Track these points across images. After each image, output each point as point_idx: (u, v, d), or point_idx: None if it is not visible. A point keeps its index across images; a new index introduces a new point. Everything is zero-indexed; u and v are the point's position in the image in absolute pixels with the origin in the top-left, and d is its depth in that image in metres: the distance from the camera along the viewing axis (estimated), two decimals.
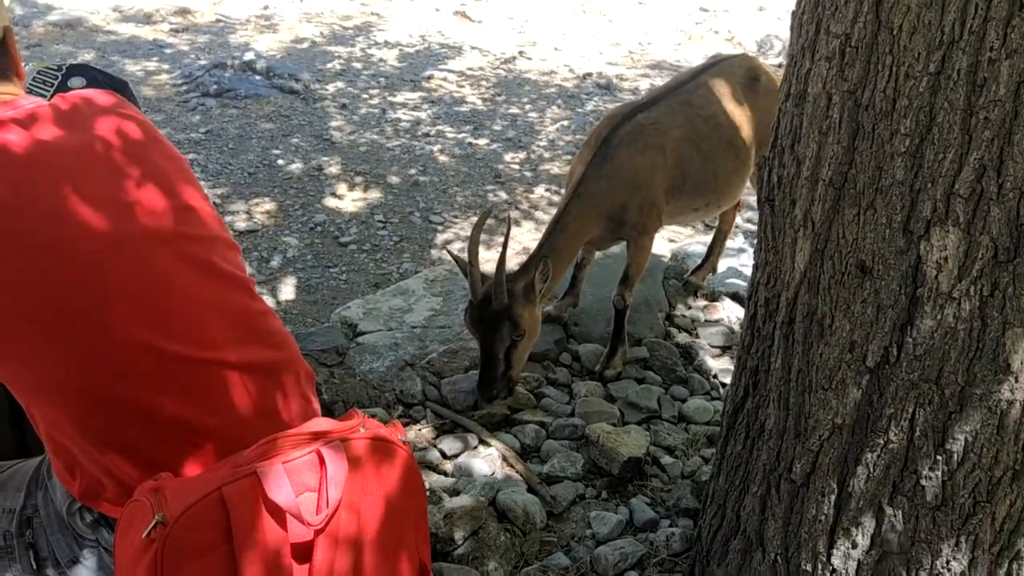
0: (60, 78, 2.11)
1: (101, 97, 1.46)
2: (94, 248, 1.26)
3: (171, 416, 1.28)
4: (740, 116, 2.94)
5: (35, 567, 1.41)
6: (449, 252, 2.75)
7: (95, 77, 2.15)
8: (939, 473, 1.38)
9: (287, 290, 3.84)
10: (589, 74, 7.02)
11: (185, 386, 1.30)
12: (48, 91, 2.07)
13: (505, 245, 2.50)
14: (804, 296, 1.45)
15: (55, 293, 1.23)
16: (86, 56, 6.43)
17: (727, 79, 2.97)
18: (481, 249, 2.64)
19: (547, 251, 2.62)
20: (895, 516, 1.43)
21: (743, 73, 3.03)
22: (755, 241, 1.67)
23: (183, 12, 7.56)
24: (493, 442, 2.45)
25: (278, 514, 1.19)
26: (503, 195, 4.87)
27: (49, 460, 1.39)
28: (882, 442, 1.38)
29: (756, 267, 1.69)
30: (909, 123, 1.24)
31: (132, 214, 1.31)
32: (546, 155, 5.45)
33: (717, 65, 3.07)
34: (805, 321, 1.46)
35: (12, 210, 1.22)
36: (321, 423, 1.34)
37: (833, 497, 1.46)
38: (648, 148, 2.73)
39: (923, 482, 1.39)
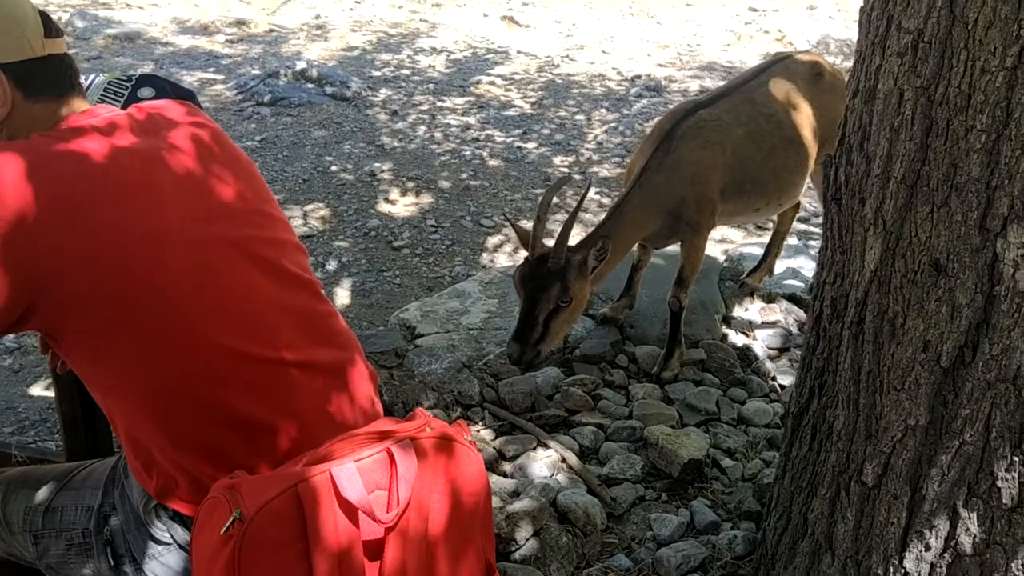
0: (130, 88, 2.17)
1: (174, 107, 1.50)
2: (170, 252, 1.29)
3: (244, 415, 1.31)
4: (802, 114, 2.90)
5: (113, 563, 1.45)
6: (507, 218, 2.74)
7: (163, 87, 2.21)
8: (1015, 474, 1.34)
9: (342, 294, 3.89)
10: (638, 76, 7.00)
11: (257, 385, 1.33)
12: (119, 101, 2.13)
13: (579, 205, 2.49)
14: (875, 295, 1.43)
15: (133, 296, 1.26)
16: (145, 67, 6.60)
17: (790, 77, 2.95)
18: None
19: (606, 233, 2.60)
20: (970, 518, 1.40)
21: (806, 70, 3.00)
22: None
23: (238, 23, 7.72)
24: (552, 443, 2.45)
25: (351, 511, 1.21)
26: (554, 199, 4.88)
27: (125, 459, 1.43)
28: (957, 443, 1.36)
29: (821, 266, 1.67)
30: (985, 119, 1.22)
31: (205, 218, 1.35)
32: (595, 158, 5.45)
33: (780, 63, 3.04)
34: (876, 321, 1.43)
35: (92, 215, 1.25)
36: (389, 423, 1.36)
37: (906, 499, 1.44)
38: (709, 144, 2.72)
39: (999, 483, 1.36)
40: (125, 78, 2.20)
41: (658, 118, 5.47)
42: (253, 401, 1.32)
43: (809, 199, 4.54)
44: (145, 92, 2.17)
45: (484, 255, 4.30)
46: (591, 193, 4.94)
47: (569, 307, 2.50)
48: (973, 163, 1.25)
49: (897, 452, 1.43)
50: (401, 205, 4.74)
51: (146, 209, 1.30)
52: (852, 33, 8.01)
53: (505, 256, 4.28)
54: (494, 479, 2.33)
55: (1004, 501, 1.37)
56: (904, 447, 1.42)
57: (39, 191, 1.21)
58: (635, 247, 3.08)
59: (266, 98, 5.96)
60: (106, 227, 1.26)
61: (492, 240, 4.43)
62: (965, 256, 1.29)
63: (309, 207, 4.65)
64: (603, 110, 6.26)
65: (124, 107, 2.16)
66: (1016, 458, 1.34)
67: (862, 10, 1.49)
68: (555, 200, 4.33)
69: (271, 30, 7.77)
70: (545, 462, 2.37)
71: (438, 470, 1.33)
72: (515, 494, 2.25)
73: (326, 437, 1.31)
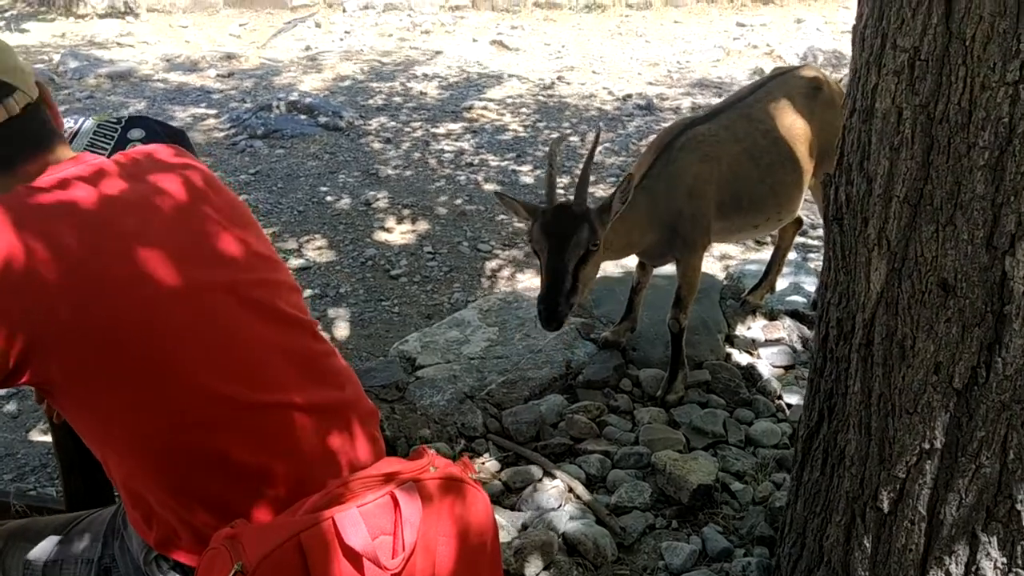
0: (120, 130, 2.16)
1: (162, 151, 1.48)
2: (162, 298, 1.27)
3: (242, 462, 1.28)
4: (800, 129, 2.88)
5: None
6: (498, 194, 2.66)
7: (153, 127, 2.20)
8: None
9: (341, 325, 3.86)
10: (629, 96, 7.01)
11: (255, 431, 1.30)
12: (109, 144, 2.12)
13: (594, 147, 2.47)
14: (882, 317, 1.40)
15: (127, 345, 1.23)
16: (138, 105, 6.60)
17: (787, 92, 2.93)
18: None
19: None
20: (990, 543, 1.36)
21: (804, 85, 2.98)
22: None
23: (229, 58, 7.74)
24: (558, 473, 2.41)
25: (355, 559, 1.19)
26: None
27: (124, 509, 1.40)
28: (974, 467, 1.33)
29: (825, 286, 1.65)
30: (987, 135, 1.20)
31: (197, 263, 1.33)
32: (591, 178, 5.43)
33: (777, 79, 3.03)
34: (885, 343, 1.41)
35: (83, 265, 1.23)
36: (392, 463, 1.33)
37: (923, 525, 1.40)
38: (707, 158, 2.70)
39: (1019, 507, 1.33)
40: (114, 120, 2.19)
41: (653, 136, 5.43)
42: (252, 447, 1.29)
43: (807, 212, 4.52)
44: (135, 133, 2.16)
45: (483, 280, 4.28)
46: None
47: (597, 253, 2.42)
48: (977, 180, 1.23)
49: (912, 477, 1.40)
50: (397, 233, 4.72)
51: (136, 257, 1.28)
52: (839, 45, 8.05)
53: (504, 280, 4.25)
54: (501, 512, 2.29)
55: None
56: (919, 472, 1.39)
57: (25, 244, 1.19)
58: (635, 270, 3.07)
59: (259, 131, 5.95)
60: (95, 277, 1.24)
61: (490, 265, 4.41)
62: (973, 275, 1.26)
63: (305, 239, 4.63)
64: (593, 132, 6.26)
65: (114, 148, 2.15)
66: None
67: (855, 28, 1.48)
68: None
69: (262, 64, 7.79)
70: (552, 493, 2.33)
71: (443, 512, 1.30)
72: (523, 527, 2.21)
73: (328, 480, 1.28)
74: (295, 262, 4.38)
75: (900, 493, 1.43)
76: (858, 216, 1.44)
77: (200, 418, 1.26)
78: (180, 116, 6.40)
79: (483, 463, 2.51)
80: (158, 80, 7.26)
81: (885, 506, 1.45)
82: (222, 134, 6.07)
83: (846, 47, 8.19)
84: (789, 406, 2.82)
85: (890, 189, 1.35)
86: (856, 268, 1.47)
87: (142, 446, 1.26)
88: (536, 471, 2.44)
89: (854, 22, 1.49)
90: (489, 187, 5.26)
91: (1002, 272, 1.24)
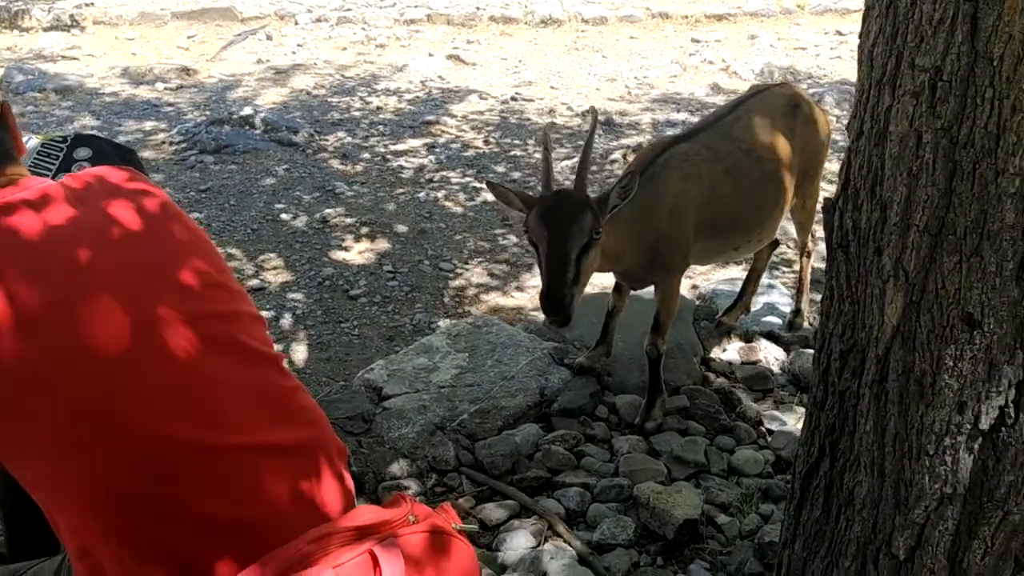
0: (65, 150, 2.01)
1: (114, 174, 1.37)
2: (113, 339, 1.16)
3: (201, 511, 1.16)
4: (781, 148, 2.82)
5: None
6: (489, 182, 2.56)
7: (101, 147, 2.06)
8: None
9: (299, 349, 3.71)
10: (588, 111, 6.97)
11: (216, 477, 1.19)
12: (53, 164, 1.97)
13: (592, 130, 2.41)
14: (898, 352, 1.32)
15: (73, 391, 1.12)
16: (85, 119, 6.35)
17: (767, 110, 2.87)
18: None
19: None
20: None
21: (784, 103, 2.92)
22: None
23: (178, 70, 7.53)
24: (537, 509, 2.30)
25: None
26: (512, 239, 4.76)
27: (69, 561, 1.27)
28: (1001, 513, 1.25)
29: (826, 316, 1.56)
30: (1018, 161, 1.13)
31: (151, 297, 1.22)
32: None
33: (756, 96, 2.97)
34: (901, 380, 1.32)
35: (26, 303, 1.11)
36: (368, 513, 1.23)
37: (944, 574, 1.32)
38: (689, 178, 2.62)
39: None
40: (60, 139, 2.05)
41: (616, 152, 5.39)
42: (213, 495, 1.18)
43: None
44: (82, 153, 2.03)
45: (445, 299, 4.16)
46: None
47: (598, 243, 2.31)
48: (1007, 209, 1.15)
49: (932, 523, 1.32)
50: (356, 252, 4.57)
51: (85, 291, 1.17)
52: (793, 62, 8.14)
53: (467, 300, 4.14)
54: (477, 552, 2.16)
55: None
56: (940, 517, 1.31)
57: None
58: (610, 294, 2.98)
59: (210, 146, 5.75)
60: (38, 317, 1.12)
61: (453, 283, 4.29)
62: (1002, 309, 1.18)
63: (260, 258, 4.46)
64: (558, 147, 6.19)
65: (59, 169, 2.01)
66: None
67: (861, 47, 1.40)
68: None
69: (212, 77, 7.58)
70: (531, 531, 2.22)
71: (428, 569, 1.20)
72: (502, 569, 2.09)
73: (296, 526, 1.17)
74: (250, 283, 4.20)
75: (918, 539, 1.34)
76: (869, 245, 1.36)
77: (156, 465, 1.14)
78: (128, 129, 6.17)
79: (457, 499, 2.38)
80: (105, 93, 7.02)
81: (901, 553, 1.37)
82: (172, 149, 5.85)
83: (800, 64, 8.29)
84: (771, 432, 2.75)
85: (908, 217, 1.27)
86: (866, 299, 1.39)
87: (91, 496, 1.14)
88: (513, 507, 2.32)
89: (859, 39, 1.41)
90: (450, 204, 5.15)
91: None
